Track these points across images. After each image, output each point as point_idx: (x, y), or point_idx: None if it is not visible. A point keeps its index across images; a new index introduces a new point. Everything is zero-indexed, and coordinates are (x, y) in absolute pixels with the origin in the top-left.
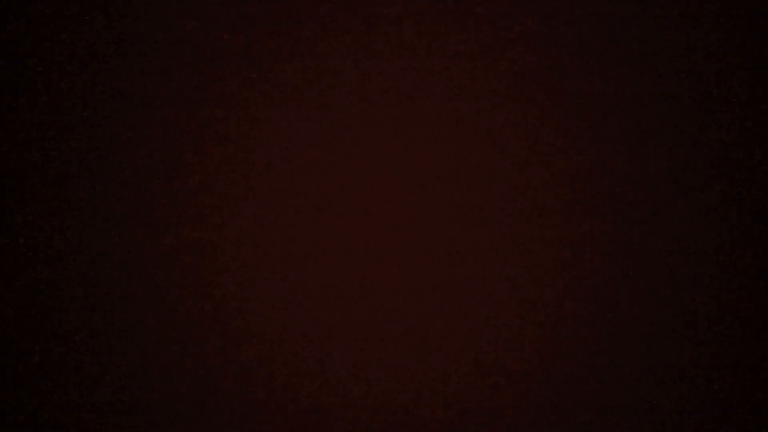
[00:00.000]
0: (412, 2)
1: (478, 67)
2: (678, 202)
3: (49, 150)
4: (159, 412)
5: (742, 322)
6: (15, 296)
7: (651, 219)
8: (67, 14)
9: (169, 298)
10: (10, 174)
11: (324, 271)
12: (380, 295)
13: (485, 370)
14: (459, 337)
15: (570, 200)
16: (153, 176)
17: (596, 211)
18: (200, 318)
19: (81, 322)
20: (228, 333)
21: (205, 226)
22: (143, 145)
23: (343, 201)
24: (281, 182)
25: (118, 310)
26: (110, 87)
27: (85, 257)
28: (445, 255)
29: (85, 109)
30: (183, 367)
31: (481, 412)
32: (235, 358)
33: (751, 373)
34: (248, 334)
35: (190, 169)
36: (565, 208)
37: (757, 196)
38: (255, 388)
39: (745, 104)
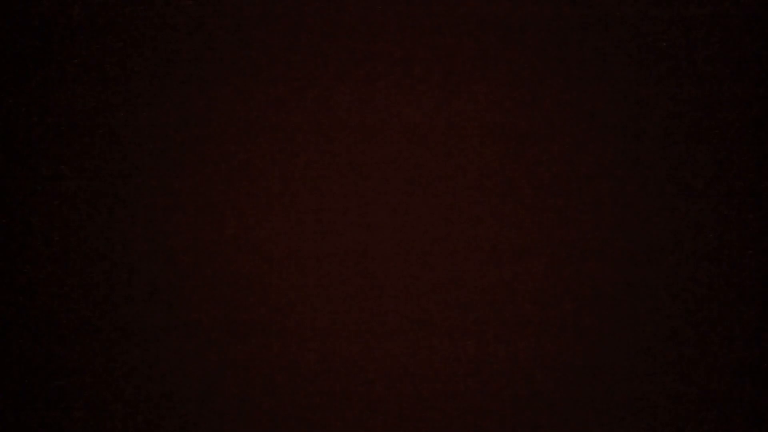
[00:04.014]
0: (412, 2)
1: (478, 67)
2: (678, 202)
3: (49, 149)
4: (159, 412)
5: (743, 322)
6: (15, 296)
7: (651, 219)
8: (67, 14)
9: (168, 298)
10: (10, 174)
11: (324, 270)
12: (380, 295)
13: (485, 370)
14: (459, 336)
15: (570, 200)
16: (152, 176)
17: (596, 211)
18: (199, 318)
19: (80, 322)
20: (228, 333)
21: (204, 226)
22: (143, 144)
23: (343, 201)
24: (281, 182)
25: (116, 310)
26: (111, 86)
27: (85, 257)
28: (444, 255)
29: (84, 109)
30: (182, 367)
31: (482, 412)
32: (234, 359)
33: (752, 373)
34: (248, 334)
35: (190, 168)
36: (566, 208)
37: (757, 196)
38: (255, 388)
39: (745, 104)
